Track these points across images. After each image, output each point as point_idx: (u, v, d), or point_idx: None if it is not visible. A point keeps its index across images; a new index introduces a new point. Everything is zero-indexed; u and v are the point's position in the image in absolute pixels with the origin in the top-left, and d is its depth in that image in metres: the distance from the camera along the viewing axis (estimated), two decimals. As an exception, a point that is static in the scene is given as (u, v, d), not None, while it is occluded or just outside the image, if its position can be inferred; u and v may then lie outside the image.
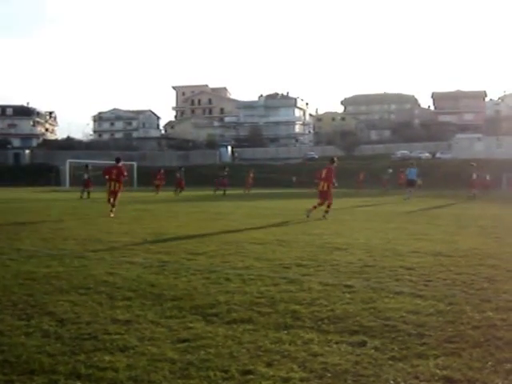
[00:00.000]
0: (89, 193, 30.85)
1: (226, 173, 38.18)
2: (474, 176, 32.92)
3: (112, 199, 18.05)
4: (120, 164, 18.74)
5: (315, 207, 16.56)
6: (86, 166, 33.55)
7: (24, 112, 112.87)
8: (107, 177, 18.36)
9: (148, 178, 58.47)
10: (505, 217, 17.95)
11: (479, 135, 74.72)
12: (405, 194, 30.45)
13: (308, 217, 15.97)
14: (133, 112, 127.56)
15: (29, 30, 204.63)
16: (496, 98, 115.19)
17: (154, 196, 34.21)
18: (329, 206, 16.65)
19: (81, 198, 30.29)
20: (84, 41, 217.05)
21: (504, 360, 3.92)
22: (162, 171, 39.30)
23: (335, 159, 17.98)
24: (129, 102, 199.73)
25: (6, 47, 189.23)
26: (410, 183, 31.55)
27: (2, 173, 66.72)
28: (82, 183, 32.44)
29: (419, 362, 3.90)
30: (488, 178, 35.83)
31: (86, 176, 32.08)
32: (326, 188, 16.88)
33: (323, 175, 16.98)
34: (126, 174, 18.78)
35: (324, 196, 16.84)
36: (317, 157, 76.52)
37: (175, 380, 3.61)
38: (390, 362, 3.89)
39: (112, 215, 16.99)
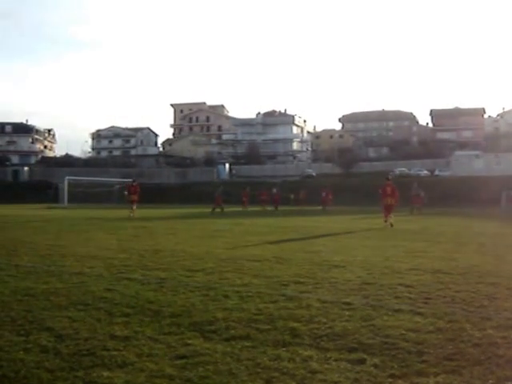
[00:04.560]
0: (222, 208, 32.94)
1: (275, 190, 45.15)
2: (422, 193, 36.35)
3: (132, 205, 27.90)
4: (135, 183, 29.54)
5: (386, 220, 19.92)
6: (219, 185, 37.84)
7: (23, 129, 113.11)
8: (127, 191, 29.09)
9: (146, 195, 58.44)
10: (504, 234, 17.93)
11: (478, 152, 74.86)
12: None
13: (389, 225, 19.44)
14: (131, 129, 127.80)
15: (27, 49, 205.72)
16: (495, 115, 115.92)
17: (242, 210, 38.72)
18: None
19: (212, 212, 32.59)
20: (82, 59, 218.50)
21: (504, 378, 3.90)
22: (248, 190, 44.11)
23: (390, 177, 22.21)
24: (127, 120, 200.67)
25: (4, 65, 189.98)
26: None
27: (0, 190, 66.57)
28: (213, 200, 35.12)
29: (419, 379, 3.88)
30: (422, 194, 36.88)
31: (217, 193, 34.36)
32: (392, 202, 20.34)
33: (389, 192, 20.40)
34: (138, 189, 29.07)
35: (389, 209, 20.18)
36: (315, 174, 76.41)
37: (174, 397, 3.59)
38: (390, 380, 3.87)
39: (132, 214, 27.01)
